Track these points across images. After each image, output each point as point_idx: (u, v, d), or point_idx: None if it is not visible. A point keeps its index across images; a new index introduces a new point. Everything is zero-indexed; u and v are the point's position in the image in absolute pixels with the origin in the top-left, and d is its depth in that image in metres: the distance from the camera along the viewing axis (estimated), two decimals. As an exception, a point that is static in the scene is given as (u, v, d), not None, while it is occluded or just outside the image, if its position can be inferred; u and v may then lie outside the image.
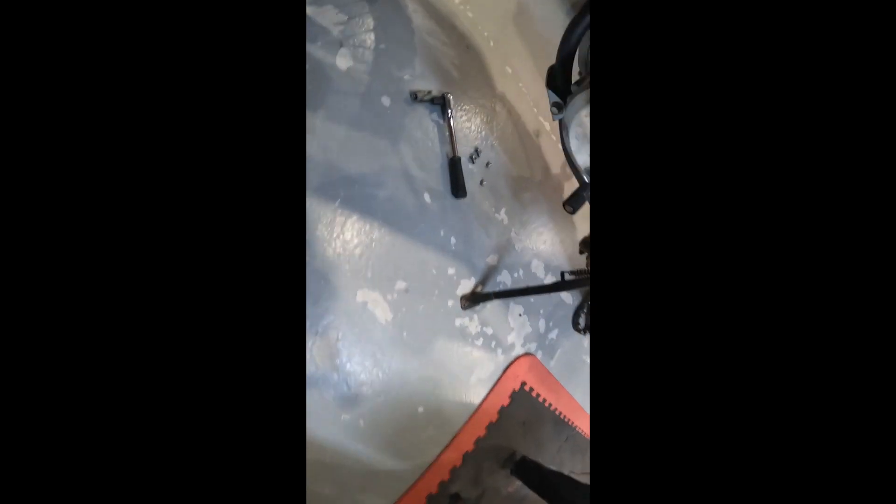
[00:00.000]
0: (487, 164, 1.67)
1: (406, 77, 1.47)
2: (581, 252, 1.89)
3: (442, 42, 1.61)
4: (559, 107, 0.86)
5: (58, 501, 0.27)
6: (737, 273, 0.29)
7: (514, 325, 1.72)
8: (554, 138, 1.92)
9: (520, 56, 1.93)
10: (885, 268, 0.25)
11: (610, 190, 0.31)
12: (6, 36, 0.26)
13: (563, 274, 1.35)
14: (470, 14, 1.77)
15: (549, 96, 0.87)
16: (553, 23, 2.19)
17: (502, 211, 1.71)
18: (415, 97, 1.45)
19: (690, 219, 0.30)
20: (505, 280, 1.67)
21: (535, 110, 1.88)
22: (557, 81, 0.85)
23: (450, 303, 1.48)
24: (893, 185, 0.25)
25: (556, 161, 1.93)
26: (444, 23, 1.66)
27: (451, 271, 1.49)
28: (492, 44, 1.79)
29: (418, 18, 1.57)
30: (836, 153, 0.26)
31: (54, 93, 0.27)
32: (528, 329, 1.78)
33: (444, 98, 1.51)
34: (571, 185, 1.97)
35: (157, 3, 0.29)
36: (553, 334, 1.90)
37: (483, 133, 1.69)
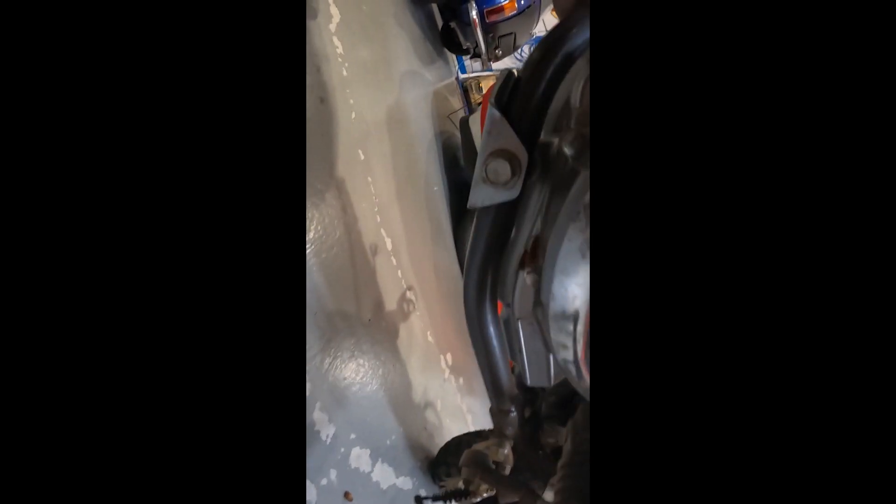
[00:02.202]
0: (285, 287, 0.96)
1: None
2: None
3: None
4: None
5: (57, 501, 0.29)
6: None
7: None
8: (394, 261, 1.46)
9: (380, 148, 1.53)
10: (886, 267, 0.27)
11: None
12: (6, 35, 0.28)
13: (419, 500, 0.73)
14: (345, 72, 1.34)
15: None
16: (423, 143, 1.95)
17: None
18: None
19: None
20: (308, 497, 0.91)
21: (379, 219, 1.43)
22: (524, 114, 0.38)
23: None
24: (893, 185, 0.27)
25: (392, 292, 1.42)
26: (308, 57, 1.17)
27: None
28: (353, 115, 1.36)
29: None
30: (829, 147, 0.27)
31: (52, 91, 0.29)
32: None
33: None
34: (409, 329, 1.44)
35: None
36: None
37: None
